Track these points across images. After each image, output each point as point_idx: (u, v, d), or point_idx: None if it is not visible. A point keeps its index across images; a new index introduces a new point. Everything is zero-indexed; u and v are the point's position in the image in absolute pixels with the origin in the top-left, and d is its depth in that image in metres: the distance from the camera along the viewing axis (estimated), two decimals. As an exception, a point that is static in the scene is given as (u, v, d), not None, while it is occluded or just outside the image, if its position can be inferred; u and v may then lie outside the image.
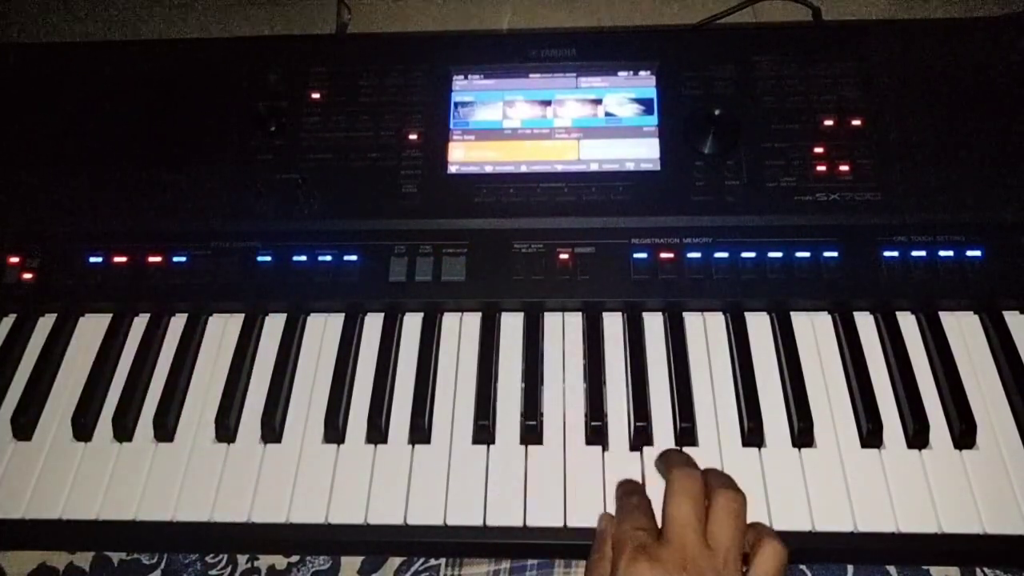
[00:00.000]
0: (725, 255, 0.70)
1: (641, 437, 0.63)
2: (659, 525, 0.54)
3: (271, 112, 0.77)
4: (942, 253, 0.69)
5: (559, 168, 0.75)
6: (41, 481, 0.64)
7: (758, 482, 0.61)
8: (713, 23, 0.93)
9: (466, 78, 0.79)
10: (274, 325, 0.71)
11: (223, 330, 0.71)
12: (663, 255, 0.70)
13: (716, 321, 0.70)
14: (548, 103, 0.78)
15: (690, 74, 0.77)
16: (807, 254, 0.69)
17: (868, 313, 0.69)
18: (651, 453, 0.62)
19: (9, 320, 0.73)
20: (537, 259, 0.71)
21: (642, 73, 0.78)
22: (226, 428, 0.65)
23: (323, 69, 0.79)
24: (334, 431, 0.65)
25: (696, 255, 0.70)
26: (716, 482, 0.55)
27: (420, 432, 0.64)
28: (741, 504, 0.54)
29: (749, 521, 0.55)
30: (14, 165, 0.77)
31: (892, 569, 0.62)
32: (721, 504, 0.53)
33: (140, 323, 0.72)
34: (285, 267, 0.72)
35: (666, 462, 0.58)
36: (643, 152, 0.75)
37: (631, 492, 0.58)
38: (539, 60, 0.79)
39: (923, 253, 0.69)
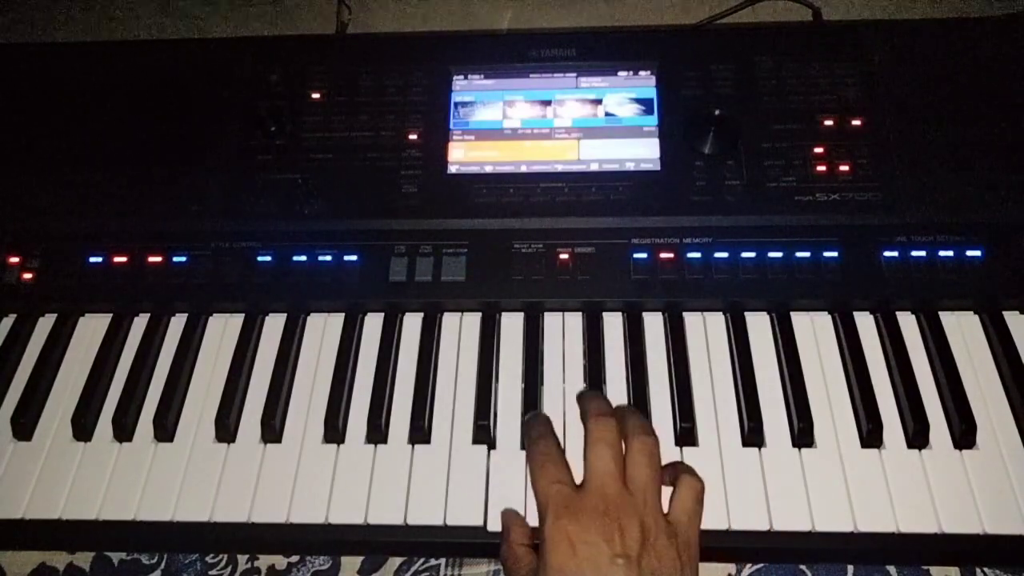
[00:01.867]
0: (725, 255, 0.70)
1: (641, 437, 0.63)
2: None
3: (271, 112, 0.77)
4: (942, 253, 0.69)
5: (559, 168, 0.75)
6: (41, 481, 0.64)
7: (758, 482, 0.61)
8: (713, 23, 0.93)
9: (466, 78, 0.79)
10: (274, 325, 0.71)
11: (223, 330, 0.71)
12: (663, 255, 0.70)
13: (716, 321, 0.70)
14: (548, 103, 0.78)
15: (690, 74, 0.77)
16: (807, 254, 0.69)
17: (868, 313, 0.69)
18: (651, 453, 0.62)
19: (9, 320, 0.73)
20: (537, 259, 0.71)
21: (642, 73, 0.78)
22: (226, 428, 0.65)
23: (323, 69, 0.79)
24: (334, 431, 0.65)
25: (696, 255, 0.70)
26: (630, 426, 0.58)
27: (420, 432, 0.64)
28: (655, 444, 0.57)
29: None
30: (14, 165, 0.77)
31: (892, 569, 0.62)
32: (636, 448, 0.56)
33: (140, 323, 0.72)
34: (285, 267, 0.72)
35: (584, 407, 0.60)
36: (643, 152, 0.75)
37: (538, 438, 0.59)
38: (539, 60, 0.79)
39: (923, 253, 0.69)
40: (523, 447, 0.63)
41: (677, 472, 0.58)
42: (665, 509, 0.55)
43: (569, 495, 0.54)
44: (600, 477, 0.54)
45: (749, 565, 0.63)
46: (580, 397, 0.64)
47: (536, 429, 0.61)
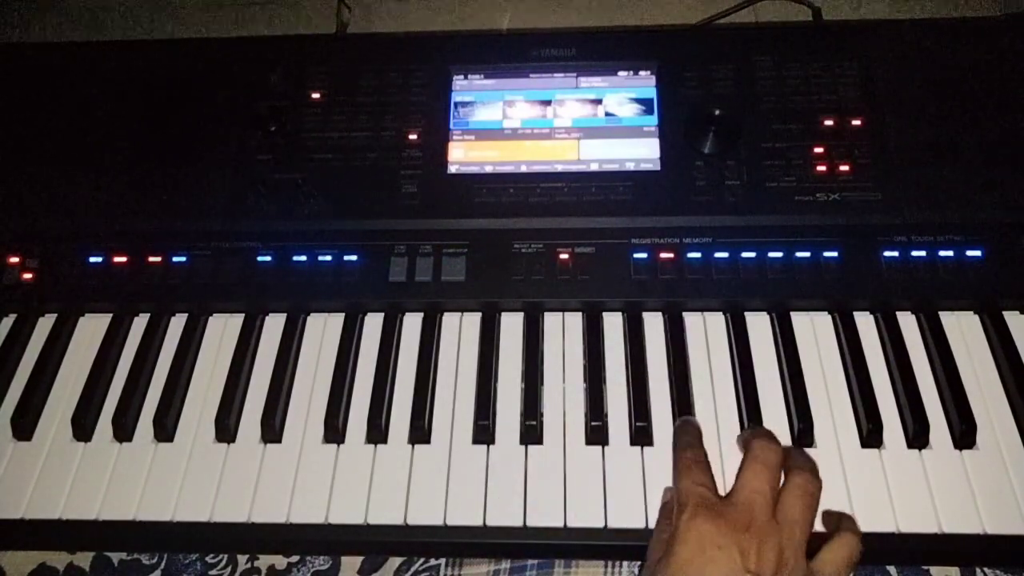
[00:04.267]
0: (725, 255, 0.70)
1: (641, 437, 0.63)
2: (723, 487, 0.55)
3: (271, 112, 0.77)
4: (942, 253, 0.69)
5: (559, 168, 0.75)
6: (41, 481, 0.64)
7: (758, 482, 0.61)
8: (713, 23, 0.93)
9: (466, 78, 0.79)
10: (274, 325, 0.71)
11: (223, 330, 0.71)
12: (663, 255, 0.70)
13: (716, 321, 0.70)
14: (548, 103, 0.78)
15: (690, 74, 0.77)
16: (807, 254, 0.69)
17: (868, 313, 0.69)
18: (651, 453, 0.62)
19: (9, 320, 0.73)
20: (537, 259, 0.71)
21: (642, 73, 0.78)
22: (226, 428, 0.65)
23: (323, 69, 0.79)
24: (334, 431, 0.65)
25: (696, 255, 0.70)
26: (797, 462, 0.55)
27: (420, 432, 0.64)
28: (817, 488, 0.54)
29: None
30: (14, 165, 0.77)
31: (892, 569, 0.62)
32: (796, 483, 0.53)
33: (140, 323, 0.72)
34: (285, 267, 0.72)
35: (751, 434, 0.58)
36: (643, 152, 0.75)
37: (687, 446, 0.58)
38: (539, 60, 0.79)
39: (923, 253, 0.69)
40: (523, 443, 0.63)
41: (840, 524, 0.54)
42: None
43: (712, 499, 0.51)
44: (750, 493, 0.51)
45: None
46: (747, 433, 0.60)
47: (688, 436, 0.59)
